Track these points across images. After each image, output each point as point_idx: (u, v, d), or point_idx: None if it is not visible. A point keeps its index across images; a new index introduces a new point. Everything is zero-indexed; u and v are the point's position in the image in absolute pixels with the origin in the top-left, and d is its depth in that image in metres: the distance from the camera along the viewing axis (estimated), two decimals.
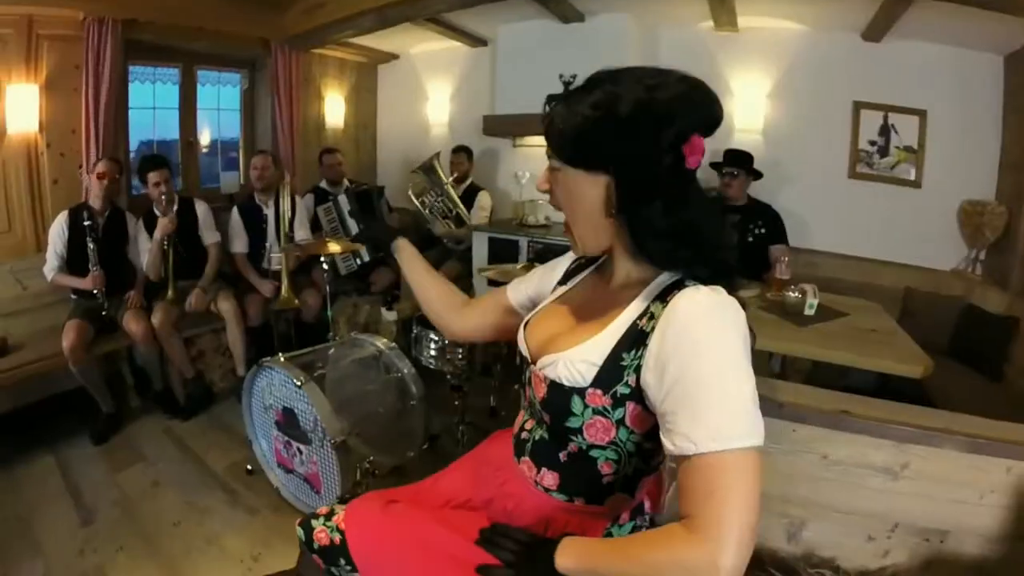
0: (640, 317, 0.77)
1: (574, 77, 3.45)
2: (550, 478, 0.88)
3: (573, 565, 0.73)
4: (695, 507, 0.64)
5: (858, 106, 3.13)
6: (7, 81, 2.65)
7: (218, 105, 3.94)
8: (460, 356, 2.12)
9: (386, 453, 2.11)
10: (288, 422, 1.97)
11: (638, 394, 0.75)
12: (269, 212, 3.22)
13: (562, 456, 0.86)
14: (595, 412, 0.79)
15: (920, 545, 1.51)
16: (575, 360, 0.80)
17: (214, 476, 2.34)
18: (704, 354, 0.68)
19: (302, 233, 3.32)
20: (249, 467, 2.24)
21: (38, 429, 2.59)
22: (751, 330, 0.74)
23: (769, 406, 1.51)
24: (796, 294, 2.37)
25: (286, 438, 2.01)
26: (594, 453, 0.82)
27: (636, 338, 0.76)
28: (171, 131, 3.63)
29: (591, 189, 0.78)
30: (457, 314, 1.16)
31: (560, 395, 0.81)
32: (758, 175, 3.01)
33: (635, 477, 0.85)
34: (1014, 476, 1.42)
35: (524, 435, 0.94)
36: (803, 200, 3.32)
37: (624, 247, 0.82)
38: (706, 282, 0.75)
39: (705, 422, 0.65)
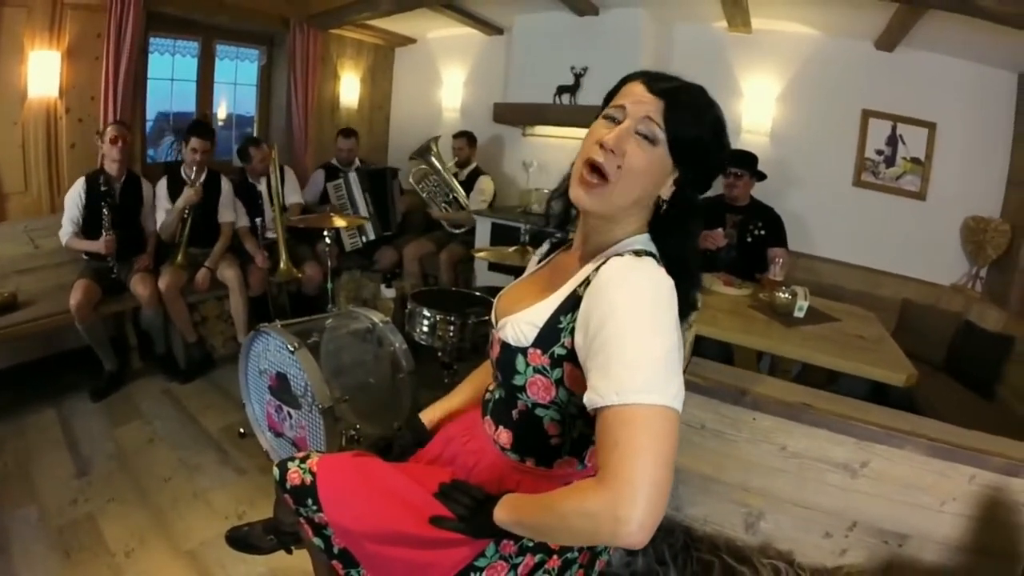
0: (580, 285, 0.83)
1: (585, 70, 3.47)
2: (505, 436, 0.95)
3: (506, 518, 0.80)
4: (602, 459, 0.67)
5: (867, 114, 3.11)
6: (30, 47, 2.68)
7: (235, 80, 3.99)
8: (452, 333, 2.15)
9: (373, 423, 2.15)
10: (281, 387, 2.00)
11: (573, 355, 0.80)
12: (262, 188, 3.32)
13: (514, 414, 0.92)
14: (536, 371, 0.85)
15: (879, 547, 1.51)
16: (521, 322, 0.87)
17: (208, 436, 2.42)
18: (615, 314, 0.72)
19: (293, 198, 3.43)
20: (241, 430, 2.26)
21: (43, 383, 2.67)
22: (689, 303, 0.84)
23: (731, 393, 1.54)
24: (786, 295, 2.36)
25: (278, 402, 2.04)
26: (539, 412, 0.88)
27: (573, 303, 0.82)
28: (188, 103, 3.68)
29: (661, 172, 0.83)
30: None
31: (508, 354, 0.88)
32: (762, 176, 2.99)
33: (582, 442, 0.90)
34: (977, 486, 1.41)
35: (488, 395, 1.03)
36: (807, 205, 3.31)
37: (630, 221, 0.87)
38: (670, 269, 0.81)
39: (610, 377, 0.69)
